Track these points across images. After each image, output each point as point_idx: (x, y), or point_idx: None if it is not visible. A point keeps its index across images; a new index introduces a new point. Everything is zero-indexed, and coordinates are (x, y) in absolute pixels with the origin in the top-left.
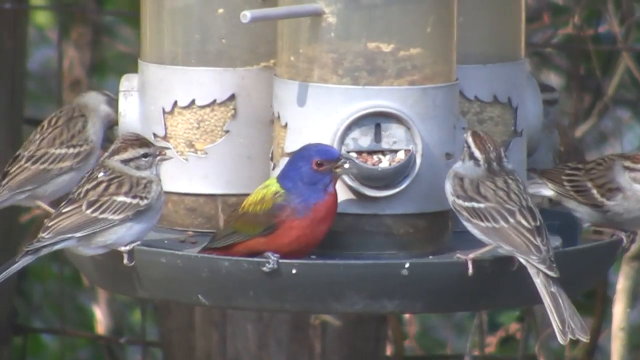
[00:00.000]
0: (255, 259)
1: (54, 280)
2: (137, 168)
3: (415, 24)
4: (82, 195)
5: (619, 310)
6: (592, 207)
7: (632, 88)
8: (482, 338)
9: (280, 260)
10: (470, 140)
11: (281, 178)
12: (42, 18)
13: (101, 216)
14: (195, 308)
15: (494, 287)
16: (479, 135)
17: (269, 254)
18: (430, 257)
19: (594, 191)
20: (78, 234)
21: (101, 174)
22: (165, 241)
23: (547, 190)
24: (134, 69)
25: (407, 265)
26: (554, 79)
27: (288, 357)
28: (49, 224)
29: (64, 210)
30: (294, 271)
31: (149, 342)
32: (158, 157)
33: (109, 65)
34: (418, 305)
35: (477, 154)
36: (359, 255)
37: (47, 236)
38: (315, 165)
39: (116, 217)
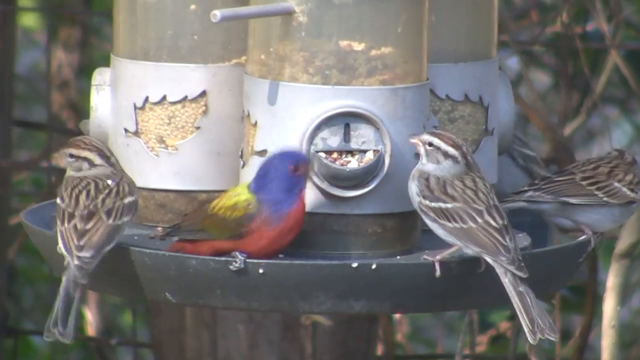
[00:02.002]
0: (223, 259)
1: (45, 282)
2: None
3: (387, 23)
4: (99, 206)
5: (609, 307)
6: (623, 206)
7: (620, 86)
8: (473, 337)
9: (248, 260)
10: (436, 141)
11: (255, 188)
12: (30, 20)
13: (119, 222)
14: (185, 309)
15: (461, 288)
16: (441, 133)
17: (237, 253)
18: (399, 257)
19: (624, 189)
20: (112, 245)
21: (110, 181)
22: (135, 237)
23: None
24: None
25: (374, 267)
26: (542, 77)
27: (279, 357)
28: (79, 243)
29: (87, 227)
30: (261, 271)
31: (140, 344)
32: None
33: (97, 66)
34: (385, 306)
35: (452, 151)
36: (327, 254)
37: (88, 255)
38: (291, 170)
39: (126, 218)
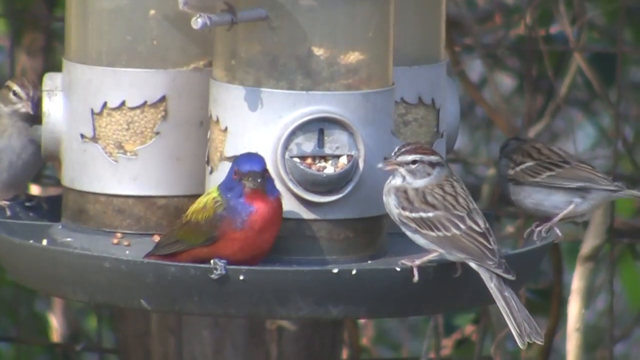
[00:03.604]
0: (203, 265)
1: (9, 287)
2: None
3: (356, 28)
4: None
5: (574, 310)
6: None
7: (584, 88)
8: (438, 340)
9: (228, 267)
10: (419, 156)
11: (221, 185)
12: None
13: None
14: (151, 314)
15: (437, 292)
16: (415, 147)
17: (216, 260)
18: (369, 261)
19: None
20: None
21: None
22: (98, 243)
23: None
24: None
25: (354, 272)
26: (506, 80)
27: None
28: None
29: None
30: (241, 277)
31: (105, 349)
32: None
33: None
34: (362, 311)
35: (435, 159)
36: (301, 260)
37: None
38: (235, 174)
39: None
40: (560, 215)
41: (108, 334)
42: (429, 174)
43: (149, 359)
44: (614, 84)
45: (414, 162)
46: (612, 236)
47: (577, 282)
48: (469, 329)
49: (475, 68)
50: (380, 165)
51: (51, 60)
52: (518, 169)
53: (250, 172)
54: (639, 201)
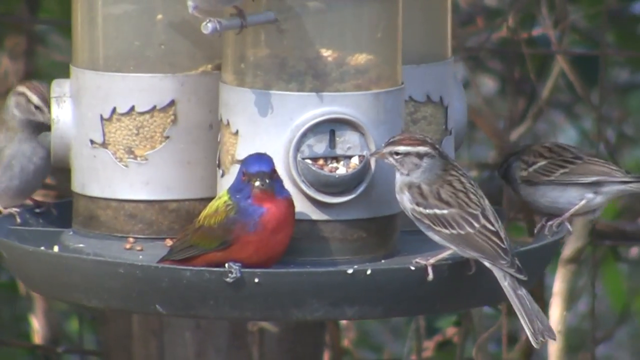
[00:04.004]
0: (218, 269)
1: None
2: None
3: (364, 29)
4: None
5: (555, 313)
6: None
7: (566, 91)
8: (420, 342)
9: (243, 270)
10: (402, 148)
11: (231, 189)
12: None
13: None
14: (133, 316)
15: (452, 290)
16: (400, 138)
17: (231, 263)
18: (382, 260)
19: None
20: None
21: None
22: (111, 249)
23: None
24: (68, 76)
25: (369, 272)
26: (488, 83)
27: None
28: None
29: None
30: (256, 280)
31: (87, 351)
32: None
33: (43, 74)
34: (377, 311)
35: (423, 149)
36: (315, 261)
37: None
38: (243, 175)
39: None
40: (572, 210)
41: (90, 336)
42: (416, 165)
43: None
44: (596, 86)
45: (396, 153)
46: (594, 238)
47: (559, 285)
48: (450, 331)
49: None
50: (370, 154)
51: (34, 63)
52: (531, 169)
53: (258, 173)
54: (622, 203)
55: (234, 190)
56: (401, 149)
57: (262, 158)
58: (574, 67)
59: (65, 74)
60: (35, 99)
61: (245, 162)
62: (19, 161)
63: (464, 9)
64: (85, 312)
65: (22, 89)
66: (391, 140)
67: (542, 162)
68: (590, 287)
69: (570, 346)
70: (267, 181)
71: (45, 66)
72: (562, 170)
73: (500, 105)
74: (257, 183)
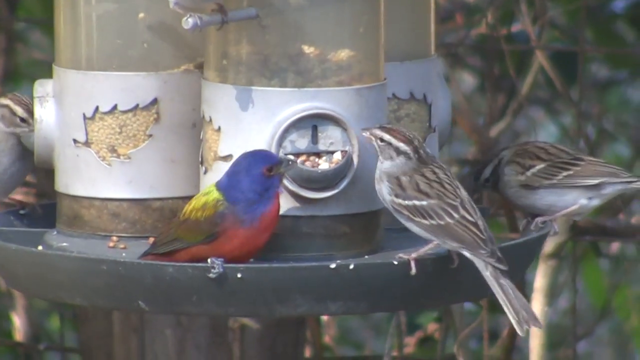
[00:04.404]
0: (201, 265)
1: None
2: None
3: (346, 25)
4: None
5: (536, 308)
6: None
7: (545, 87)
8: (401, 339)
9: (226, 265)
10: (387, 136)
11: (226, 189)
12: None
13: None
14: (114, 314)
15: (436, 285)
16: (392, 128)
17: (213, 259)
18: (367, 256)
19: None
20: None
21: None
22: (94, 247)
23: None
24: (48, 75)
25: (351, 267)
26: (467, 79)
27: None
28: None
29: None
30: (239, 275)
31: (68, 349)
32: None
33: (22, 73)
34: (361, 306)
35: (403, 147)
36: (298, 257)
37: None
38: (266, 171)
39: None
40: (568, 211)
41: (71, 334)
42: (391, 158)
43: (112, 359)
44: (575, 82)
45: (381, 139)
46: (575, 234)
47: (539, 280)
48: (431, 328)
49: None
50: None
51: (13, 61)
52: (529, 173)
53: (282, 159)
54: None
55: (230, 188)
56: (386, 136)
57: (262, 150)
58: (553, 63)
59: (45, 72)
60: (20, 111)
61: (255, 160)
62: None
63: (443, 6)
64: (66, 309)
65: (5, 101)
66: (384, 125)
67: (541, 165)
68: (571, 283)
69: (551, 342)
70: (290, 162)
71: (25, 65)
72: (565, 173)
73: (479, 101)
74: (288, 167)
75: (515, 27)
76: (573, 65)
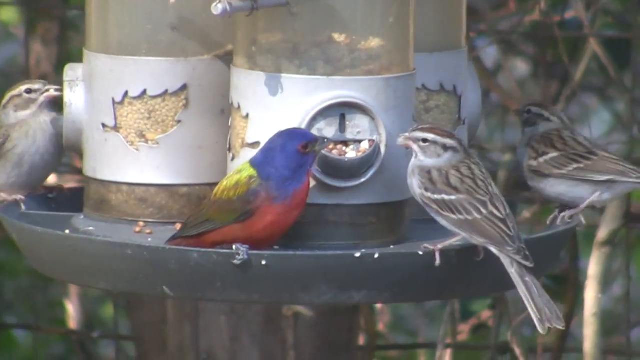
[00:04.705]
0: (225, 251)
1: (26, 275)
2: (16, 108)
3: (376, 14)
4: None
5: (590, 296)
6: None
7: (599, 74)
8: (455, 326)
9: (251, 252)
10: (431, 136)
11: (260, 165)
12: (7, 14)
13: None
14: (167, 301)
15: (459, 277)
16: (432, 127)
17: (238, 245)
18: (392, 246)
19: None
20: None
21: None
22: (121, 232)
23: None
24: None
25: (376, 256)
26: (520, 66)
27: (261, 349)
28: None
29: None
30: (264, 262)
31: (121, 337)
32: (43, 95)
33: (75, 60)
34: (385, 296)
35: (450, 142)
36: (323, 245)
37: None
38: (302, 148)
39: None
40: (586, 204)
41: (124, 322)
42: (438, 155)
43: (165, 347)
44: (628, 69)
45: (424, 140)
46: (629, 221)
47: (593, 268)
48: (485, 315)
49: (490, 54)
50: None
51: (65, 49)
52: (542, 160)
53: (318, 137)
54: None
55: (265, 164)
56: (430, 136)
57: (298, 129)
58: (606, 50)
59: None
60: (23, 88)
61: (291, 137)
62: (30, 159)
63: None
64: (119, 297)
65: (10, 93)
66: (419, 127)
67: (554, 154)
68: (624, 270)
69: (604, 329)
70: (325, 140)
71: (77, 52)
72: (575, 165)
73: (532, 88)
74: (323, 144)
75: (569, 14)
76: (626, 52)
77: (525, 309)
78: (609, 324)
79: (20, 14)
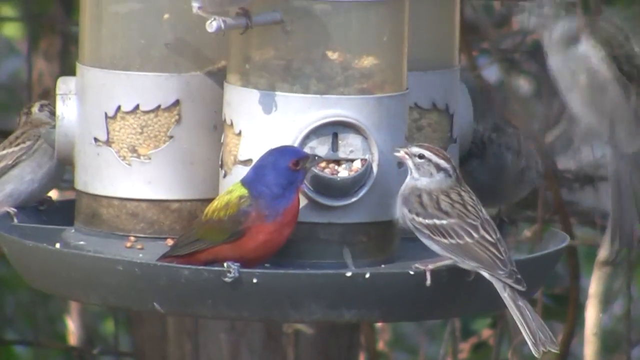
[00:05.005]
0: (216, 269)
1: (26, 290)
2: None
3: (370, 33)
4: None
5: (591, 315)
6: None
7: None
8: (455, 344)
9: (241, 270)
10: (427, 153)
11: (251, 182)
12: (11, 29)
13: None
14: (167, 317)
15: (450, 296)
16: (430, 146)
17: (230, 263)
18: (382, 265)
19: None
20: None
21: None
22: (111, 247)
23: None
24: None
25: (367, 276)
26: (523, 84)
27: None
28: None
29: None
30: (255, 280)
31: (122, 352)
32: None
33: None
34: (375, 314)
35: (443, 164)
36: (314, 264)
37: None
38: (293, 165)
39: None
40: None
41: (125, 338)
42: (431, 174)
43: None
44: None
45: (420, 156)
46: None
47: (594, 287)
48: (486, 333)
49: (492, 72)
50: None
51: (68, 64)
52: None
53: (309, 154)
54: None
55: (255, 181)
56: (426, 153)
57: (290, 146)
58: None
59: None
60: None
61: (282, 154)
62: (30, 175)
63: (498, 11)
64: (120, 313)
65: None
66: (421, 144)
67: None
68: (625, 289)
69: (605, 348)
70: (316, 157)
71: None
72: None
73: (535, 107)
74: (314, 161)
75: None
76: None
77: None
78: (609, 343)
79: (23, 28)
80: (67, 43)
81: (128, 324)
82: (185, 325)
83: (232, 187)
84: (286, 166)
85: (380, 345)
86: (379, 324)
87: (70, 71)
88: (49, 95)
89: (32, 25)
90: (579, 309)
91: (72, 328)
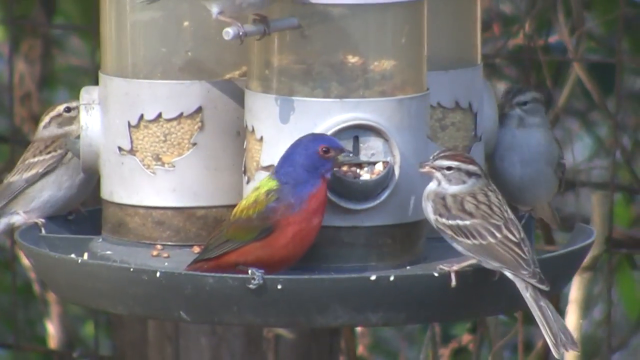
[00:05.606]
0: (241, 276)
1: (6, 293)
2: (60, 125)
3: (388, 35)
4: None
5: (572, 321)
6: None
7: (582, 98)
8: (435, 349)
9: (266, 276)
10: (455, 163)
11: (280, 166)
12: None
13: (12, 179)
14: (148, 321)
15: (475, 297)
16: (453, 154)
17: (254, 269)
18: (408, 267)
19: None
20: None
21: None
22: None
23: None
24: (84, 81)
25: (392, 278)
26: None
27: None
28: None
29: None
30: (279, 287)
31: (102, 356)
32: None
33: (59, 78)
34: (401, 317)
35: (472, 168)
36: (339, 267)
37: None
38: (322, 150)
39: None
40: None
41: (105, 341)
42: (464, 182)
43: None
44: (612, 93)
45: (449, 168)
46: (610, 246)
47: (575, 292)
48: (466, 338)
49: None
50: (419, 169)
51: (49, 67)
52: None
53: (343, 147)
54: (637, 212)
55: (283, 164)
56: (454, 164)
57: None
58: (590, 74)
59: (81, 78)
60: (62, 108)
61: (317, 137)
62: (66, 182)
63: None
64: (100, 316)
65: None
66: (440, 154)
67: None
68: (606, 295)
69: (585, 354)
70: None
71: (61, 70)
72: None
73: None
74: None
75: (553, 38)
76: (610, 76)
77: (506, 333)
78: (590, 348)
79: (4, 31)
80: (48, 46)
81: (108, 328)
82: (166, 329)
83: (259, 184)
84: (315, 150)
85: (361, 350)
86: (359, 328)
87: (51, 74)
88: (29, 98)
89: (13, 27)
90: (560, 314)
91: (52, 331)
